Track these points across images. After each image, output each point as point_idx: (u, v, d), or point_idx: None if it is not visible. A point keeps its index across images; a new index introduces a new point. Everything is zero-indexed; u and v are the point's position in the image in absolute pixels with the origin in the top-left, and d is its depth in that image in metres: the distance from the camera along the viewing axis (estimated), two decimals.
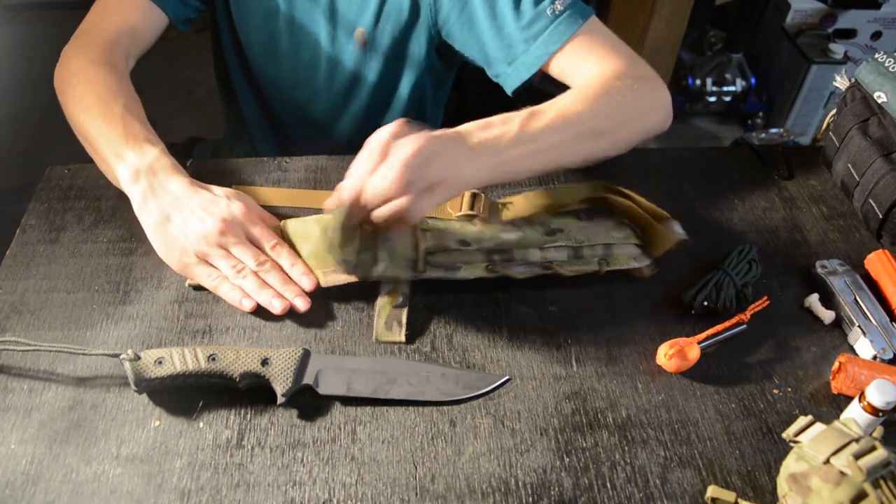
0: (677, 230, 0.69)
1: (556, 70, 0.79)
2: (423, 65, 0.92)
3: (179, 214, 0.64)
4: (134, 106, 0.72)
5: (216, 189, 0.68)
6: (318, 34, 0.88)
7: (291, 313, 0.64)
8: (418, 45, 0.90)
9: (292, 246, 0.68)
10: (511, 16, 0.78)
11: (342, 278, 0.64)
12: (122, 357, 0.55)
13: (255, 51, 0.92)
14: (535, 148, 0.65)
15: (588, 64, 0.77)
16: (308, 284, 0.65)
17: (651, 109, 0.76)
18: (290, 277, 0.65)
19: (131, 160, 0.66)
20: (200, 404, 0.57)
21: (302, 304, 0.63)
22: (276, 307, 0.63)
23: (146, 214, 0.65)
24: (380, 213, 0.59)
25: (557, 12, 0.77)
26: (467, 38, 0.84)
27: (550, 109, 0.68)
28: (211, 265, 0.65)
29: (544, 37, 0.77)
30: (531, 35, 0.78)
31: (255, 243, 0.66)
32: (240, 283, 0.64)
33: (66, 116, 0.74)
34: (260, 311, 0.64)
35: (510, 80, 0.82)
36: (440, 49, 0.92)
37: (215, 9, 0.91)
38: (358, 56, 0.90)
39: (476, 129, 0.64)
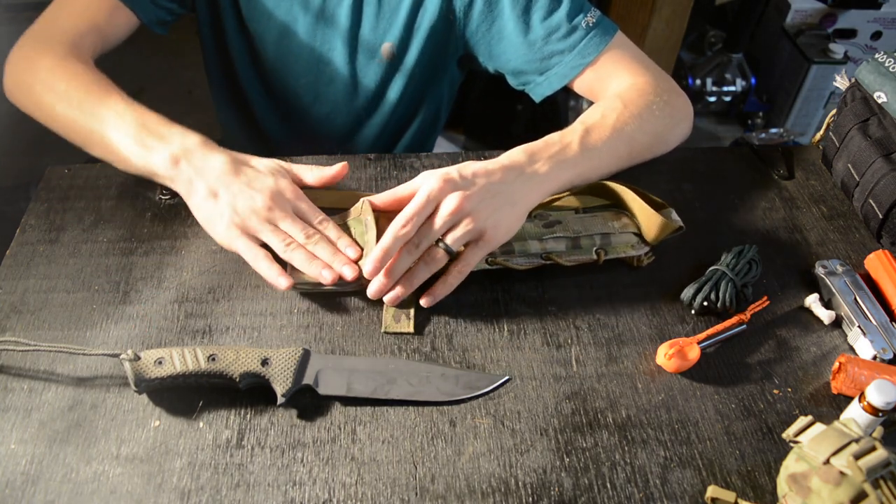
0: (674, 217, 0.70)
1: (586, 81, 0.82)
2: (446, 77, 0.93)
3: (227, 191, 0.64)
4: (127, 96, 0.71)
5: (258, 162, 0.68)
6: (340, 53, 0.88)
7: (291, 313, 0.64)
8: (444, 59, 0.90)
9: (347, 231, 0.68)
10: (545, 30, 0.81)
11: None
12: (121, 357, 0.55)
13: (273, 65, 0.92)
14: (593, 164, 0.71)
15: (619, 77, 0.80)
16: (353, 254, 0.64)
17: (681, 121, 0.81)
18: (337, 249, 0.65)
19: (163, 147, 0.66)
20: (200, 404, 0.57)
21: (349, 272, 0.63)
22: (327, 277, 0.62)
23: (194, 194, 0.65)
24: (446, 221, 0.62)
25: (591, 25, 0.80)
26: (495, 51, 0.85)
27: (604, 126, 0.72)
28: (253, 240, 0.64)
29: (580, 48, 0.80)
30: (567, 46, 0.81)
31: (301, 218, 0.66)
32: (289, 256, 0.64)
33: (48, 116, 0.72)
34: (260, 312, 0.64)
35: (541, 90, 0.85)
36: (461, 60, 0.92)
37: (221, 19, 0.89)
38: (383, 71, 0.90)
39: (540, 150, 0.68)
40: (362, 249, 0.65)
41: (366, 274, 0.61)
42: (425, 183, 0.62)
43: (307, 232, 0.65)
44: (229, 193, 0.64)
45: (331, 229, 0.66)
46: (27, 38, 0.76)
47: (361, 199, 0.67)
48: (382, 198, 0.66)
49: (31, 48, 0.75)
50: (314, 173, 0.70)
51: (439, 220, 0.61)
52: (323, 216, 0.67)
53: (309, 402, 0.58)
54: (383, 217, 0.65)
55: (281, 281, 0.63)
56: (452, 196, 0.61)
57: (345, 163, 0.70)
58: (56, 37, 0.76)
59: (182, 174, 0.66)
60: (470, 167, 0.64)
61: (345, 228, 0.68)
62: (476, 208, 0.62)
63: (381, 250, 0.61)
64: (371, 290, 0.63)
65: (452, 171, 0.63)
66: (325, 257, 0.64)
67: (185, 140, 0.67)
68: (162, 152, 0.66)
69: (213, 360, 0.56)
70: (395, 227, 0.61)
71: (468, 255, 0.63)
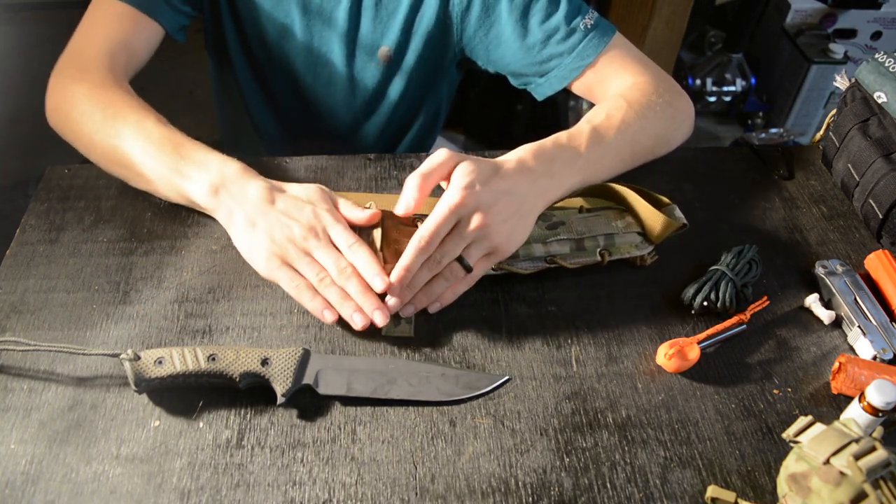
0: (678, 215, 0.70)
1: (585, 83, 0.82)
2: (445, 79, 0.93)
3: (265, 220, 0.62)
4: (164, 120, 0.70)
5: (296, 189, 0.65)
6: (338, 54, 0.88)
7: (291, 313, 0.64)
8: (442, 63, 0.90)
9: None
10: (543, 33, 0.80)
11: None
12: (121, 357, 0.56)
13: (270, 66, 0.91)
14: (598, 168, 0.71)
15: (619, 77, 0.80)
16: (379, 285, 0.60)
17: (683, 122, 0.80)
18: (368, 287, 0.61)
19: (201, 175, 0.65)
20: (200, 404, 0.57)
21: (380, 319, 0.60)
22: (358, 323, 0.60)
23: (234, 224, 0.64)
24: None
25: (590, 26, 0.80)
26: (493, 56, 0.85)
27: (610, 126, 0.72)
28: (295, 270, 0.62)
29: (579, 50, 0.80)
30: (566, 49, 0.81)
31: (336, 244, 0.63)
32: (324, 292, 0.61)
33: (87, 146, 0.71)
34: (260, 312, 0.64)
35: (542, 90, 0.85)
36: (460, 62, 0.92)
37: (220, 20, 0.89)
38: (381, 73, 0.90)
39: (550, 154, 0.67)
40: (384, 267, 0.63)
41: (383, 290, 0.60)
42: (447, 196, 0.60)
43: (339, 265, 0.61)
44: (267, 222, 0.62)
45: (361, 256, 0.62)
46: (63, 65, 0.75)
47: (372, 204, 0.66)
48: (408, 199, 0.62)
49: (67, 75, 0.74)
50: (348, 211, 0.65)
51: (462, 240, 0.61)
52: (355, 239, 0.63)
53: (309, 402, 0.58)
54: (389, 220, 0.65)
55: (326, 315, 0.61)
56: (476, 217, 0.61)
57: (378, 211, 0.66)
58: (90, 61, 0.74)
59: (222, 204, 0.64)
60: (491, 175, 0.62)
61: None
62: (493, 224, 0.61)
63: (404, 269, 0.60)
64: (389, 304, 0.61)
65: (472, 176, 0.61)
66: (356, 296, 0.61)
67: (223, 168, 0.65)
68: (201, 182, 0.64)
69: (213, 359, 0.56)
70: (419, 245, 0.60)
71: (478, 267, 0.64)
